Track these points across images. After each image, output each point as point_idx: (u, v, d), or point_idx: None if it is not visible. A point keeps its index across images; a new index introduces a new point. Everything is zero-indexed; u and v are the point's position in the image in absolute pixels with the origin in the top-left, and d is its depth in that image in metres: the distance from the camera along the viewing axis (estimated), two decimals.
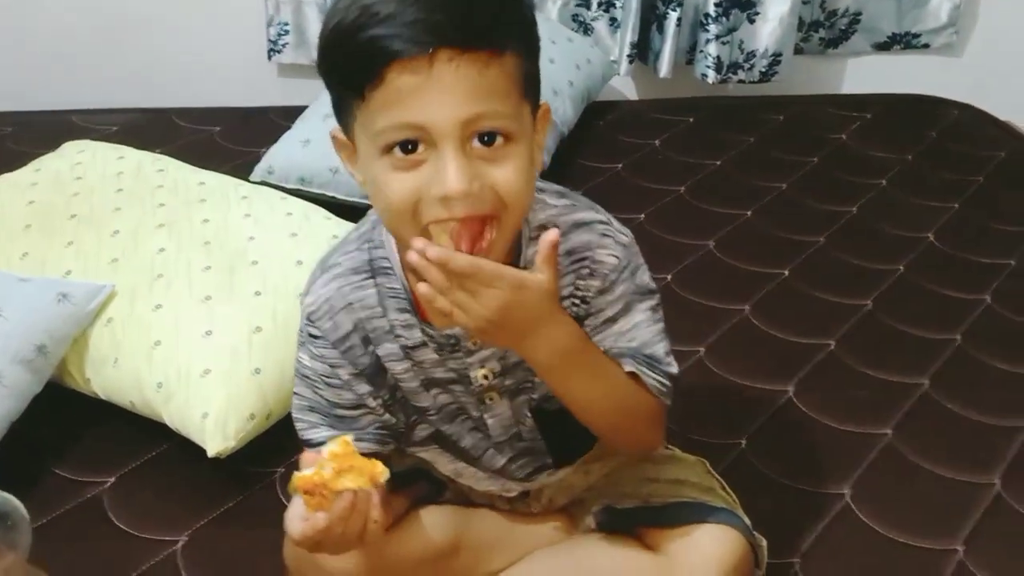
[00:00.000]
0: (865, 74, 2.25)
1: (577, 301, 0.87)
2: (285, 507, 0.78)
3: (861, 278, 1.56)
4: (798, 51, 2.17)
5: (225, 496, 1.12)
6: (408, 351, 0.87)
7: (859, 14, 2.17)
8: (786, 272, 1.56)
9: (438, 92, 0.71)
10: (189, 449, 1.13)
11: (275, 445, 1.14)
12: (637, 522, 0.96)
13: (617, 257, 0.86)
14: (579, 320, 0.87)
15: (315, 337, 0.87)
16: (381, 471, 0.76)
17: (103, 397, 1.19)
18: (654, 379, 0.87)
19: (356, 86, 0.74)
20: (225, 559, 1.06)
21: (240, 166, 1.72)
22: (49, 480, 1.13)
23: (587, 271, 0.86)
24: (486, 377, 0.89)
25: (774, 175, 1.85)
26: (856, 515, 1.12)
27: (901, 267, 1.58)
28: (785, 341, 1.41)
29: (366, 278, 0.86)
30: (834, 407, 1.28)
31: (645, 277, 0.88)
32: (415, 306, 0.85)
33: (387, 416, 0.89)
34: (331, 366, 0.87)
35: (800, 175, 1.86)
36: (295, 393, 0.89)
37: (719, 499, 0.97)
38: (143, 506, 1.11)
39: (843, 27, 2.19)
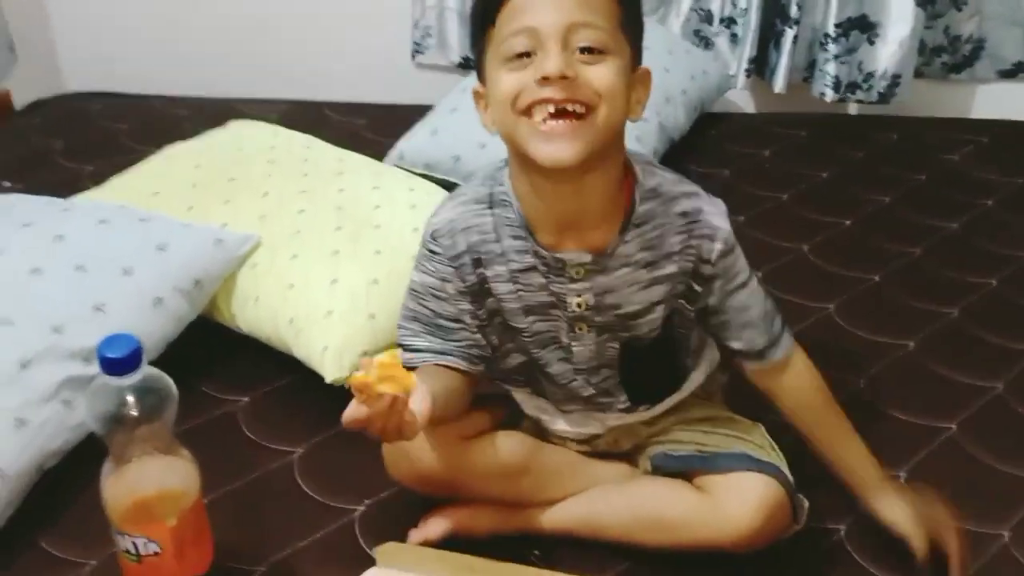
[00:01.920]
0: (988, 100, 2.26)
1: (692, 258, 1.01)
2: None
3: (952, 288, 1.60)
4: (920, 75, 2.21)
5: (337, 421, 1.27)
6: (515, 274, 1.02)
7: (983, 40, 2.19)
8: (876, 278, 1.63)
9: (548, 2, 0.89)
10: (312, 381, 1.31)
11: None
12: (689, 467, 1.08)
13: (727, 226, 1.01)
14: (701, 277, 1.02)
15: (434, 253, 1.03)
16: (413, 383, 0.89)
17: (245, 331, 1.39)
18: (786, 346, 1.09)
19: (491, 11, 0.92)
20: (332, 469, 1.23)
21: (378, 154, 1.91)
22: (195, 395, 1.33)
23: (701, 233, 1.00)
24: (579, 306, 1.02)
25: (879, 189, 1.90)
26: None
27: (994, 281, 1.62)
28: (866, 339, 1.48)
29: (485, 208, 1.02)
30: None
31: None
32: (529, 231, 1.00)
33: (479, 337, 1.04)
34: (442, 279, 1.02)
35: (905, 190, 1.90)
36: (403, 306, 1.05)
37: (767, 456, 1.08)
38: (270, 422, 1.30)
39: (967, 53, 2.21)
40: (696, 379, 1.16)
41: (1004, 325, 1.50)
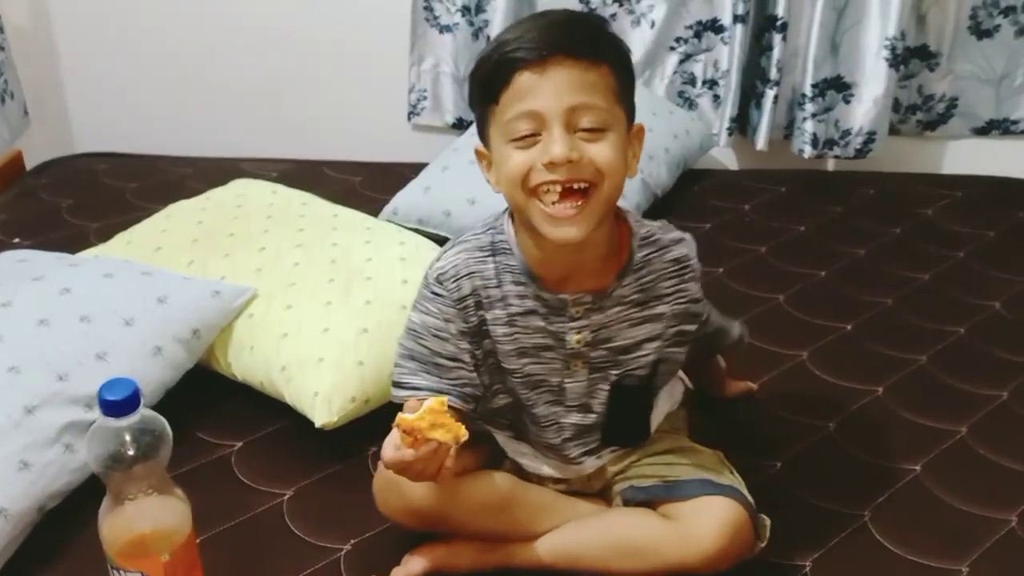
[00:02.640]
0: (963, 156, 2.35)
1: (683, 300, 1.12)
2: (372, 478, 1.02)
3: (921, 336, 1.66)
4: (895, 132, 2.30)
5: (326, 464, 1.35)
6: (513, 317, 1.09)
7: (956, 99, 2.28)
8: (848, 327, 1.69)
9: (550, 85, 0.96)
10: (302, 426, 1.37)
11: (370, 428, 1.35)
12: (655, 496, 1.14)
13: (696, 260, 1.14)
14: (692, 316, 1.15)
15: (437, 295, 1.09)
16: (463, 433, 0.95)
17: (240, 379, 1.45)
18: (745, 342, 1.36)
19: (493, 91, 0.99)
20: (321, 510, 1.28)
21: (373, 210, 1.99)
22: (190, 440, 1.39)
23: (689, 277, 1.12)
24: (578, 342, 1.10)
25: (854, 242, 1.97)
26: None
27: (962, 330, 1.68)
28: (837, 386, 1.54)
29: (487, 255, 1.10)
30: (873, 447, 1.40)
31: None
32: (531, 277, 1.08)
33: (474, 376, 1.11)
34: (445, 320, 1.09)
35: (879, 243, 1.97)
36: (399, 344, 1.12)
37: (727, 479, 1.14)
38: (261, 466, 1.36)
39: (940, 111, 2.30)
40: (656, 421, 1.23)
41: (970, 371, 1.56)
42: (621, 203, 1.87)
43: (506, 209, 1.10)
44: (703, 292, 1.18)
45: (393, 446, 0.96)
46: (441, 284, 1.10)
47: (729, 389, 1.47)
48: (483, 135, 1.06)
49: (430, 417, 0.93)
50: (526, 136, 0.98)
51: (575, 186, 0.98)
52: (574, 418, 1.15)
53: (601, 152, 0.98)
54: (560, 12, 1.03)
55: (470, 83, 1.06)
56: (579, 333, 1.10)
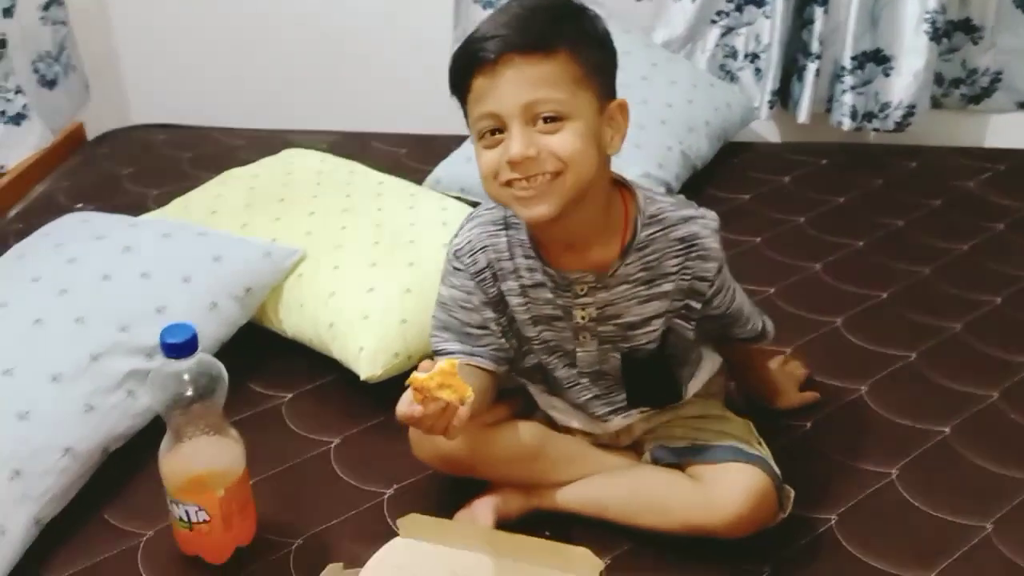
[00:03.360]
0: (1007, 130, 2.33)
1: (688, 277, 1.12)
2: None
3: (957, 304, 1.68)
4: (938, 105, 2.30)
5: (371, 415, 1.41)
6: (525, 289, 1.14)
7: (1000, 72, 2.27)
8: (884, 295, 1.71)
9: (503, 86, 0.99)
10: (349, 380, 1.44)
11: None
12: (684, 458, 1.18)
13: (717, 244, 1.13)
14: (697, 294, 1.13)
15: (458, 270, 1.15)
16: (469, 395, 0.98)
17: (290, 335, 1.52)
18: (766, 339, 1.28)
19: (460, 93, 1.04)
20: (365, 458, 1.35)
21: (418, 180, 2.04)
22: (244, 391, 1.46)
23: (697, 255, 1.11)
24: (583, 318, 1.14)
25: (893, 213, 1.98)
26: None
27: (999, 299, 1.69)
28: (869, 351, 1.56)
29: (500, 229, 1.14)
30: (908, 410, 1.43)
31: None
32: (538, 252, 1.12)
33: (503, 341, 1.16)
34: (467, 293, 1.15)
35: (918, 215, 1.98)
36: (433, 316, 1.18)
37: (755, 449, 1.17)
38: (310, 416, 1.43)
39: (984, 85, 2.29)
40: (694, 387, 1.27)
41: (1004, 339, 1.58)
42: (660, 173, 1.90)
43: None
44: (730, 272, 1.17)
45: (407, 402, 1.00)
46: (459, 259, 1.15)
47: (786, 400, 1.39)
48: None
49: (439, 378, 0.97)
50: (492, 134, 1.02)
51: (539, 178, 1.01)
52: (592, 380, 1.20)
53: (561, 142, 1.00)
54: (517, 5, 1.04)
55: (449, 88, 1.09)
56: (584, 310, 1.14)
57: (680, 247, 1.12)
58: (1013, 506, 1.25)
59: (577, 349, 1.17)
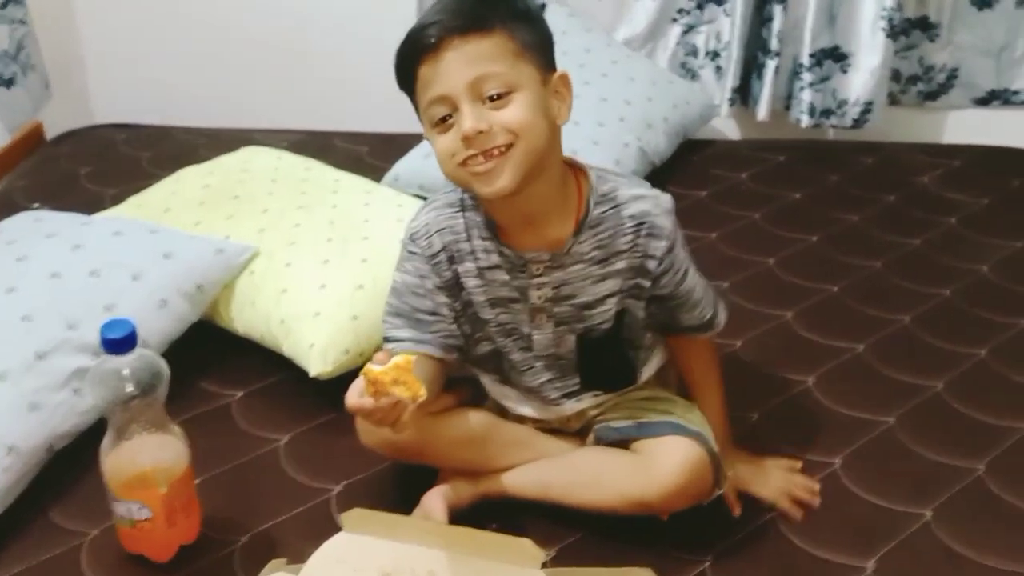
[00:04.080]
0: (963, 126, 2.36)
1: (639, 255, 1.14)
2: None
3: (907, 297, 1.70)
4: (896, 102, 2.32)
5: (322, 412, 1.42)
6: (482, 271, 1.15)
7: (956, 69, 2.30)
8: (835, 288, 1.73)
9: (447, 68, 1.02)
10: (300, 379, 1.44)
11: None
12: (627, 436, 1.20)
13: (670, 224, 1.14)
14: (647, 272, 1.15)
15: (412, 254, 1.17)
16: (422, 394, 0.99)
17: (241, 332, 1.52)
18: (725, 311, 1.25)
19: (408, 84, 1.07)
20: (313, 455, 1.35)
21: (378, 178, 2.04)
22: (194, 390, 1.46)
23: (647, 233, 1.13)
24: (539, 298, 1.15)
25: (848, 209, 2.00)
26: None
27: (948, 292, 1.72)
28: (819, 344, 1.58)
29: (456, 211, 1.16)
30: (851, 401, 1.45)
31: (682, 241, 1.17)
32: (494, 232, 1.13)
33: (454, 328, 1.17)
34: (420, 277, 1.16)
35: (873, 210, 2.00)
36: (387, 303, 1.19)
37: (696, 426, 1.19)
38: (260, 414, 1.43)
39: (941, 82, 2.32)
40: (647, 372, 1.28)
41: (951, 331, 1.60)
42: (618, 169, 1.92)
43: None
44: (691, 259, 1.19)
45: (357, 392, 1.01)
46: (414, 242, 1.17)
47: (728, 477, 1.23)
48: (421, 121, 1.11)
49: (394, 373, 0.98)
50: (443, 119, 1.04)
51: (495, 152, 1.03)
52: (547, 363, 1.21)
53: (511, 115, 1.03)
54: None
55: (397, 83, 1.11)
56: (540, 290, 1.15)
57: (631, 224, 1.14)
58: (952, 494, 1.27)
59: (533, 332, 1.18)
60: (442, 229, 1.15)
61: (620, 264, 1.15)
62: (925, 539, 1.20)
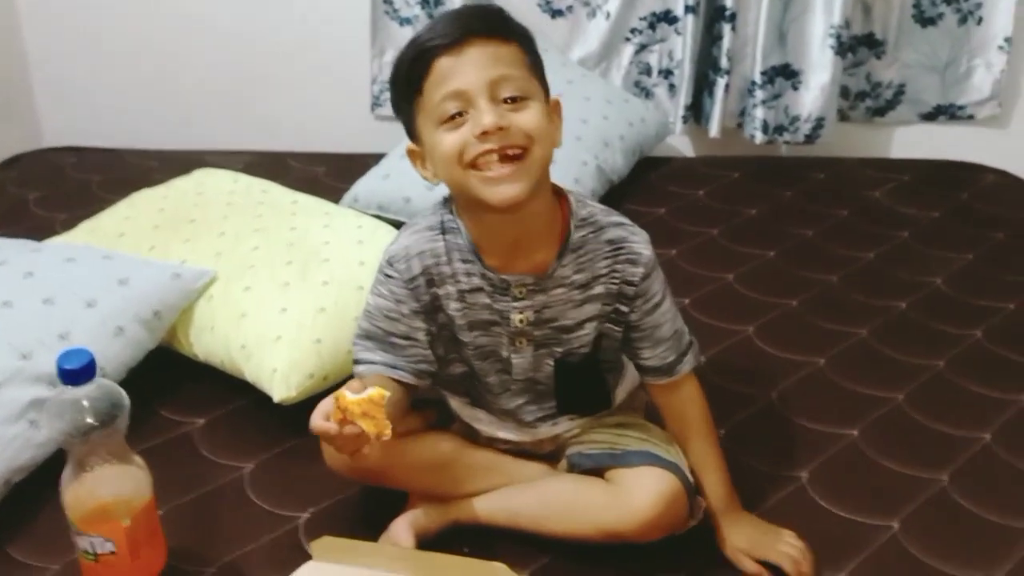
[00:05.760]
0: (911, 142, 2.41)
1: (617, 280, 1.14)
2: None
3: (863, 311, 1.73)
4: (845, 118, 2.37)
5: (286, 438, 1.39)
6: (463, 294, 1.14)
7: (903, 85, 2.35)
8: (794, 303, 1.75)
9: (469, 63, 1.03)
10: (263, 404, 1.41)
11: None
12: (601, 464, 1.19)
13: (648, 252, 1.15)
14: (625, 297, 1.14)
15: (389, 277, 1.14)
16: (387, 433, 0.99)
17: (201, 358, 1.49)
18: (691, 362, 1.21)
19: (416, 82, 1.05)
20: (279, 482, 1.33)
21: (337, 199, 2.02)
22: (155, 418, 1.43)
23: (625, 258, 1.14)
24: (521, 321, 1.14)
25: (803, 224, 2.04)
26: None
27: (903, 304, 1.75)
28: (780, 358, 1.60)
29: (437, 234, 1.14)
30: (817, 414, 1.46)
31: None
32: (477, 255, 1.12)
33: (428, 353, 1.16)
34: (397, 301, 1.14)
35: (827, 225, 2.04)
36: (358, 325, 1.18)
37: (671, 456, 1.19)
38: (223, 441, 1.40)
39: (888, 98, 2.37)
40: (620, 395, 1.28)
41: (909, 343, 1.63)
42: (576, 188, 1.93)
43: (449, 195, 1.15)
44: (670, 300, 1.18)
45: (323, 414, 1.00)
46: (392, 266, 1.15)
47: (723, 540, 1.20)
48: (412, 133, 1.11)
49: (365, 405, 0.97)
50: (454, 116, 1.03)
51: (510, 152, 1.03)
52: (524, 387, 1.20)
53: (527, 118, 1.03)
54: (465, 6, 1.09)
55: (391, 86, 1.11)
56: (522, 313, 1.15)
57: (609, 249, 1.14)
58: (918, 505, 1.29)
59: (512, 356, 1.18)
60: (422, 252, 1.14)
61: (599, 288, 1.15)
62: (893, 550, 1.22)
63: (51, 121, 2.54)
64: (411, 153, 1.12)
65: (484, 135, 1.02)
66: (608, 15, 2.31)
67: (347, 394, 0.98)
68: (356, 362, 1.18)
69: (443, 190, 1.16)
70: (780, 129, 2.31)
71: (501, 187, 1.03)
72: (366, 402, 0.97)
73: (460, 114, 1.03)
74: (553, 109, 1.10)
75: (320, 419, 1.01)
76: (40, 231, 1.84)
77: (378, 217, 1.87)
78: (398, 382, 1.15)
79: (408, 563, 1.11)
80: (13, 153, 2.34)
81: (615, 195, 2.09)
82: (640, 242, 1.15)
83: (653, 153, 2.29)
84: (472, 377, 1.21)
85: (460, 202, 1.12)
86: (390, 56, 2.39)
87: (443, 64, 1.03)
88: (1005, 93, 2.35)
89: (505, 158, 1.03)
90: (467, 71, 1.02)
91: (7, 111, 2.39)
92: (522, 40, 1.07)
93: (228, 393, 1.48)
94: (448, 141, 1.04)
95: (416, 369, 1.16)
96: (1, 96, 2.36)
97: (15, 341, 1.32)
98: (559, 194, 1.16)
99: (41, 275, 1.43)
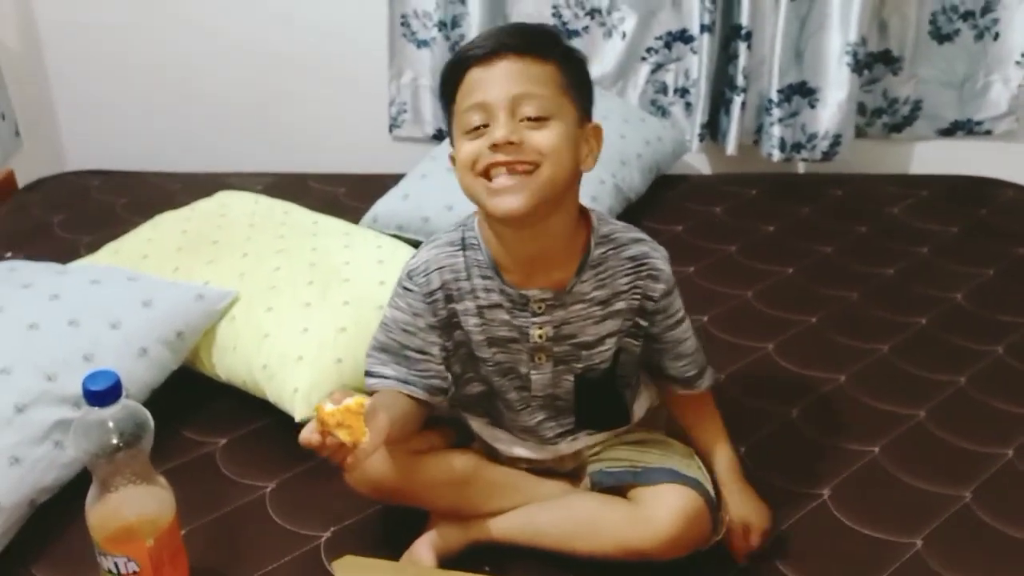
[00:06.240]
0: (929, 158, 2.41)
1: (638, 296, 1.16)
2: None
3: (884, 327, 1.72)
4: (862, 134, 2.37)
5: (306, 458, 1.38)
6: (482, 309, 1.15)
7: (920, 101, 2.35)
8: (814, 319, 1.75)
9: (496, 77, 1.06)
10: (284, 423, 1.42)
11: None
12: (623, 481, 1.19)
13: (668, 270, 1.17)
14: (645, 312, 1.17)
15: (408, 290, 1.16)
16: (363, 440, 1.00)
17: (223, 379, 1.51)
18: (710, 379, 1.26)
19: (451, 90, 1.09)
20: (300, 501, 1.33)
21: (356, 219, 2.04)
22: (176, 438, 1.44)
23: (647, 274, 1.16)
24: (540, 337, 1.15)
25: (822, 241, 2.03)
26: None
27: (924, 320, 1.74)
28: (800, 375, 1.59)
29: (457, 249, 1.16)
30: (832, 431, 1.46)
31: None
32: (497, 271, 1.13)
33: (442, 368, 1.17)
34: (414, 315, 1.15)
35: (846, 242, 2.03)
36: (373, 338, 1.19)
37: (693, 472, 1.19)
38: (244, 461, 1.41)
39: (905, 114, 2.37)
40: (639, 411, 1.29)
41: (929, 359, 1.62)
42: (594, 205, 1.94)
43: (476, 210, 1.16)
44: (687, 319, 1.22)
45: (309, 428, 1.03)
46: (412, 279, 1.16)
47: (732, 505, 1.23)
48: (452, 138, 1.13)
49: (340, 416, 0.99)
50: (477, 128, 1.06)
51: (519, 167, 1.05)
52: (543, 403, 1.21)
53: (543, 137, 1.05)
54: (515, 23, 1.12)
55: (439, 91, 1.14)
56: (541, 328, 1.16)
57: (631, 266, 1.16)
58: (941, 522, 1.28)
59: (532, 372, 1.18)
60: (441, 267, 1.15)
61: (620, 304, 1.16)
62: (917, 568, 1.21)
63: (74, 144, 2.58)
64: (451, 159, 1.15)
65: (495, 147, 1.04)
66: (624, 35, 2.32)
67: (325, 406, 0.99)
68: (368, 374, 1.19)
69: (462, 211, 1.17)
70: (797, 147, 2.31)
71: (502, 198, 1.06)
72: (342, 412, 0.99)
73: (484, 126, 1.06)
74: (592, 134, 1.11)
75: (307, 432, 1.03)
76: (64, 254, 1.86)
77: (397, 237, 1.89)
78: (411, 398, 1.16)
79: None
80: (38, 176, 2.37)
81: (632, 213, 2.09)
82: (660, 259, 1.17)
83: (670, 171, 2.29)
84: (491, 396, 1.22)
85: (479, 211, 1.14)
86: (407, 78, 2.42)
87: (473, 75, 1.06)
88: (1022, 108, 2.34)
89: (513, 171, 1.05)
90: (493, 85, 1.05)
91: (31, 135, 2.43)
92: (563, 61, 1.08)
93: (250, 413, 1.49)
94: (466, 149, 1.07)
95: (428, 385, 1.17)
96: (24, 121, 2.40)
97: (41, 363, 1.33)
98: (584, 213, 1.17)
99: (66, 297, 1.44)
